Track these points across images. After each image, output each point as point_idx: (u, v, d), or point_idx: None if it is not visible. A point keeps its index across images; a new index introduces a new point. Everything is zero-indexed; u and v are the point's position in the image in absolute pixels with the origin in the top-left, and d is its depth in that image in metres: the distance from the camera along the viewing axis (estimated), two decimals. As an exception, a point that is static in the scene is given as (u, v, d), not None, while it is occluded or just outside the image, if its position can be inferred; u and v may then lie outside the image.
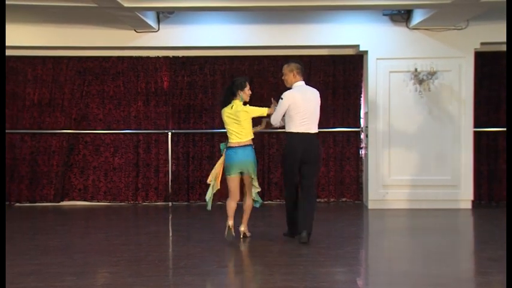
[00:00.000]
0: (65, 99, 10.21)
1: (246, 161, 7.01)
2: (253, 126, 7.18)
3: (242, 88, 7.09)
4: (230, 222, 6.98)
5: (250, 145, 7.08)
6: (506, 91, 6.17)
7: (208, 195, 7.20)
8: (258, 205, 7.25)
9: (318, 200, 10.14)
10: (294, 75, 7.14)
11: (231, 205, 7.07)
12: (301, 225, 6.91)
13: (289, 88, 7.20)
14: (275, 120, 7.10)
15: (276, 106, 7.08)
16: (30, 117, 10.21)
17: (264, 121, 7.37)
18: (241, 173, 7.07)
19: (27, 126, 10.20)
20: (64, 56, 10.17)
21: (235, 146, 7.04)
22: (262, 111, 7.12)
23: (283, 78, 7.29)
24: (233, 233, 6.99)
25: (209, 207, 7.24)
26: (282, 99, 7.02)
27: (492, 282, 5.35)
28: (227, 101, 7.13)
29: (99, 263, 6.11)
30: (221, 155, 7.27)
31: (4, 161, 9.55)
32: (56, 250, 6.70)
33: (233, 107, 7.05)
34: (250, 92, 7.20)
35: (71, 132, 10.23)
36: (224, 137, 10.11)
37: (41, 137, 10.23)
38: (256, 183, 7.12)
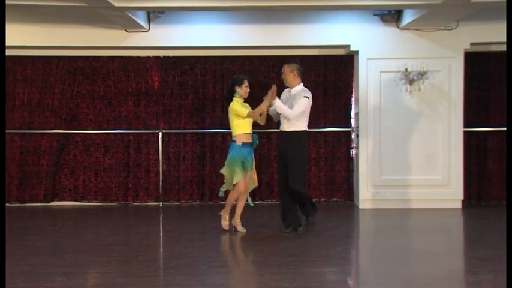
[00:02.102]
0: (55, 99, 10.17)
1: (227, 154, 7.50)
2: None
3: (240, 84, 7.40)
4: (221, 213, 7.74)
5: (232, 141, 7.46)
6: (506, 91, 6.23)
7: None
8: (220, 194, 7.78)
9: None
10: (294, 75, 7.46)
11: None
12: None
13: (286, 87, 7.64)
14: (295, 116, 7.40)
15: (270, 101, 7.36)
16: (20, 117, 10.16)
17: (266, 103, 7.45)
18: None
19: (17, 126, 10.14)
20: (54, 55, 10.13)
21: None
22: (243, 113, 7.35)
23: (282, 77, 7.56)
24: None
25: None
26: (308, 98, 7.42)
27: (482, 282, 5.37)
28: (229, 98, 7.52)
29: (90, 263, 6.09)
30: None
31: (4, 161, 9.50)
32: (45, 250, 6.67)
33: (230, 104, 7.46)
34: (248, 90, 7.47)
35: (61, 132, 10.18)
36: (214, 136, 10.21)
37: (30, 137, 10.18)
38: (226, 176, 7.50)
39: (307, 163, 7.86)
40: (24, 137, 10.17)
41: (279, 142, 7.86)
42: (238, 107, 7.35)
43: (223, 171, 7.50)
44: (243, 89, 7.39)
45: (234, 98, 7.43)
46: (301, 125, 7.45)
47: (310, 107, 7.53)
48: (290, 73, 7.40)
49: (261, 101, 7.46)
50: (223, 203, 10.09)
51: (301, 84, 7.57)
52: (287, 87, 7.69)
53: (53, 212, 9.76)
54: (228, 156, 7.43)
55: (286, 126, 7.47)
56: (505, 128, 9.66)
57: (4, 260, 4.87)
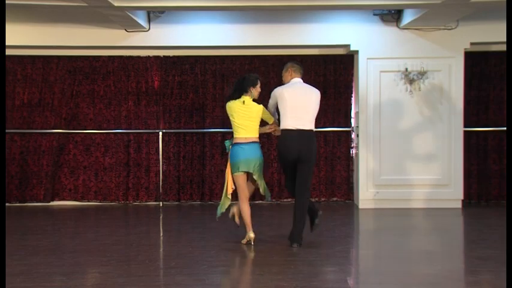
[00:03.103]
0: (55, 98, 10.18)
1: (253, 158, 6.79)
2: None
3: (254, 85, 6.91)
4: (251, 235, 6.76)
5: (257, 142, 6.91)
6: (506, 91, 6.23)
7: (224, 208, 6.97)
8: (268, 199, 7.09)
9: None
10: (289, 73, 7.12)
11: (246, 209, 6.79)
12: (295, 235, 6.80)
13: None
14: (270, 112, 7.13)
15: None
16: (20, 117, 10.17)
17: (273, 126, 7.13)
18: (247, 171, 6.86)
19: (17, 126, 10.15)
20: (54, 55, 10.14)
21: (242, 142, 6.82)
22: (271, 119, 7.04)
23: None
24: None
25: (219, 214, 7.01)
26: (272, 91, 7.07)
27: (481, 281, 5.37)
28: (236, 95, 6.91)
29: (89, 263, 6.09)
30: (227, 153, 7.04)
31: (4, 161, 9.50)
32: (45, 250, 6.67)
33: (245, 102, 6.83)
34: (259, 90, 7.02)
35: (61, 132, 10.19)
36: (214, 135, 10.21)
37: (30, 137, 10.18)
38: (260, 181, 6.89)
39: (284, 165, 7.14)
40: (24, 137, 10.18)
41: None
42: (265, 110, 6.99)
43: (261, 182, 6.89)
44: (257, 90, 6.95)
45: (247, 97, 6.84)
46: (282, 123, 6.98)
47: (284, 102, 6.87)
48: (285, 73, 7.16)
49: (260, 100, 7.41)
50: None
51: (295, 79, 7.07)
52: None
53: (53, 212, 9.76)
54: (261, 161, 6.88)
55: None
56: (505, 128, 9.67)
57: (4, 260, 4.87)
